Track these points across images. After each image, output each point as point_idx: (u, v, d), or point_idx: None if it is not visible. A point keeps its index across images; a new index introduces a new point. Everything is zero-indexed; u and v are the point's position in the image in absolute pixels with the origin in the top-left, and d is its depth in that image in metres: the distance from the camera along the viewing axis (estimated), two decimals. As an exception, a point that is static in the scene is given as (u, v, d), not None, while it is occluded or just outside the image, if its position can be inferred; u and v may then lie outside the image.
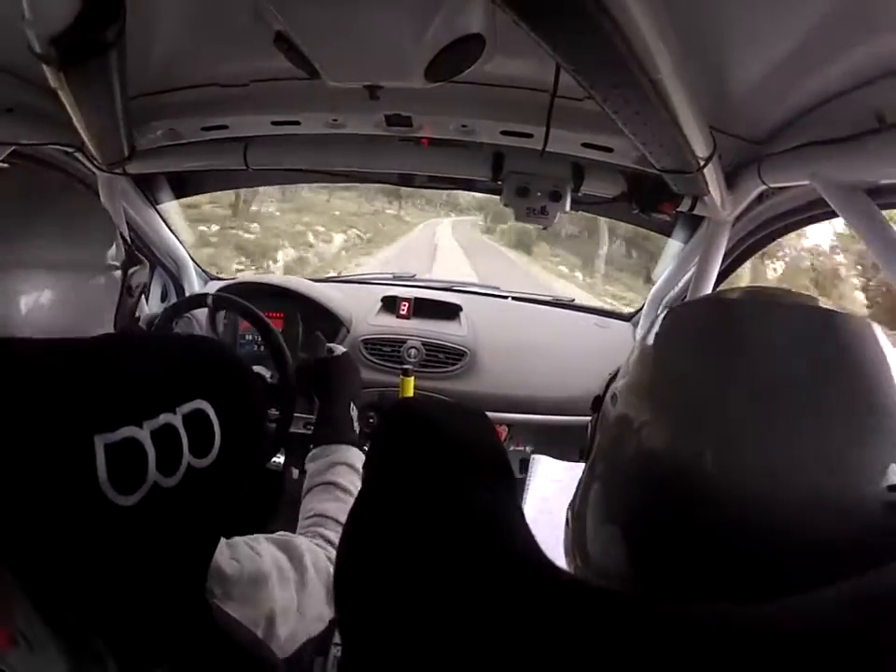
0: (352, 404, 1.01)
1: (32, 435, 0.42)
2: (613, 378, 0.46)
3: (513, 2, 0.48)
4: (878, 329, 0.38)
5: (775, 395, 0.35)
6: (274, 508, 1.54)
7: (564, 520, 0.51)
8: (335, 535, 0.78)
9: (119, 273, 0.65)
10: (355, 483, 0.87)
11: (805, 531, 0.33)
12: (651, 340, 0.43)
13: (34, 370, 0.44)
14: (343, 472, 0.88)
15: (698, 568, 0.36)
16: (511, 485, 0.40)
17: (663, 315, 0.44)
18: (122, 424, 0.45)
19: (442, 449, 0.40)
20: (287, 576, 0.69)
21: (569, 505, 0.50)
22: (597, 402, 0.48)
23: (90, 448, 0.43)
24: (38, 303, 0.56)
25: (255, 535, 0.70)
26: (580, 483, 0.48)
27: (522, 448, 1.65)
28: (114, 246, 0.65)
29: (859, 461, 0.33)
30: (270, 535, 0.73)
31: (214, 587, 0.59)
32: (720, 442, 0.35)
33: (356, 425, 0.98)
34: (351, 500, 0.83)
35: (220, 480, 0.52)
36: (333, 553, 0.75)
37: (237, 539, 0.67)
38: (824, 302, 0.41)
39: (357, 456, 0.92)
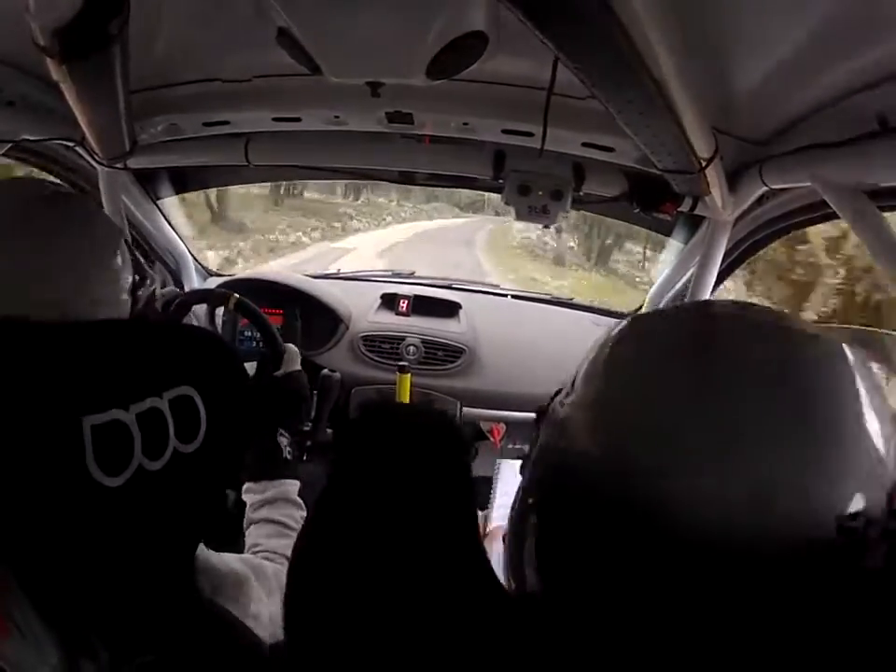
0: (280, 431, 0.99)
1: (21, 414, 0.42)
2: (563, 386, 0.44)
3: (518, 1, 0.48)
4: (851, 352, 0.36)
5: (736, 422, 0.33)
6: None
7: None
8: (284, 569, 0.79)
9: (128, 298, 0.65)
10: (293, 517, 0.90)
11: (759, 560, 0.31)
12: (597, 353, 0.41)
13: (23, 351, 0.45)
14: (283, 507, 0.90)
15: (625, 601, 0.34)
16: (468, 491, 0.40)
17: (616, 329, 0.42)
18: (109, 406, 0.45)
19: (401, 460, 0.39)
20: (258, 591, 0.71)
21: (508, 522, 0.48)
22: (542, 411, 0.46)
23: (77, 429, 0.43)
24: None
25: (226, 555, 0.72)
26: (514, 500, 0.46)
27: (520, 446, 1.66)
28: (117, 276, 0.64)
29: (818, 489, 0.32)
30: (239, 556, 0.75)
31: (202, 582, 0.60)
32: (674, 467, 0.33)
33: (284, 452, 0.97)
34: (293, 534, 0.85)
35: (206, 466, 0.52)
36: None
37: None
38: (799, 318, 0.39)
39: (293, 488, 0.94)
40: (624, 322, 0.43)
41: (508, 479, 1.08)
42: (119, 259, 0.65)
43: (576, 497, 0.36)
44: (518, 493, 0.45)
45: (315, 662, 0.34)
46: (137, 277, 0.67)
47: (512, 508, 0.46)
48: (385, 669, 0.32)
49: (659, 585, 0.33)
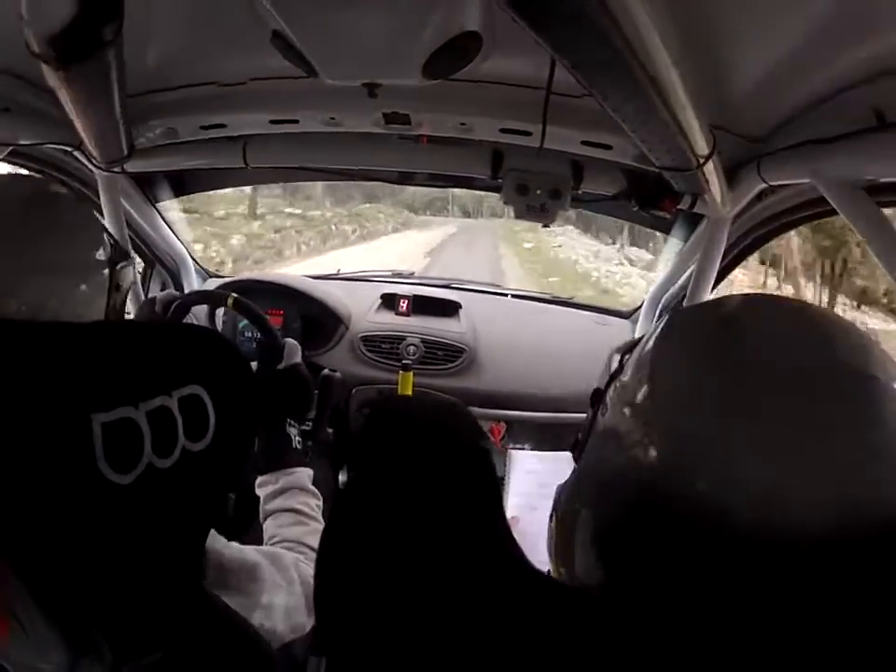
0: (289, 421, 1.01)
1: (31, 412, 0.42)
2: (616, 373, 0.44)
3: (512, 0, 0.47)
4: (875, 340, 0.37)
5: (778, 415, 0.33)
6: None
7: (542, 517, 0.50)
8: (304, 557, 0.80)
9: (106, 271, 0.67)
10: (309, 505, 0.90)
11: (813, 552, 0.32)
12: (648, 349, 0.41)
13: (32, 350, 0.45)
14: (298, 496, 0.91)
15: (682, 592, 0.34)
16: (492, 482, 0.40)
17: (663, 323, 0.43)
18: (119, 404, 0.45)
19: (423, 451, 0.40)
20: (275, 578, 0.71)
21: (553, 505, 0.49)
22: (597, 395, 0.46)
23: (87, 426, 0.43)
24: (33, 306, 0.58)
25: (242, 545, 0.72)
26: (566, 485, 0.47)
27: (520, 446, 1.65)
28: (100, 246, 0.66)
29: (866, 478, 0.32)
30: (257, 547, 0.75)
31: (210, 573, 0.61)
32: (719, 466, 0.33)
33: (294, 442, 0.98)
34: (310, 522, 0.86)
35: (215, 464, 0.52)
36: (310, 570, 0.78)
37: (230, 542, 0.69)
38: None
39: (306, 476, 0.94)
40: (669, 316, 0.44)
41: (519, 469, 1.08)
42: (98, 240, 0.67)
43: (632, 491, 0.37)
44: (572, 480, 0.46)
45: (349, 653, 0.34)
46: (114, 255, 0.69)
47: (563, 493, 0.47)
48: (420, 658, 0.33)
49: (707, 572, 0.33)
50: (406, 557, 0.35)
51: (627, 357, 0.44)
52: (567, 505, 0.46)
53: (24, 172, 1.35)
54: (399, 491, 0.38)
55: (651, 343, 0.42)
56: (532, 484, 1.04)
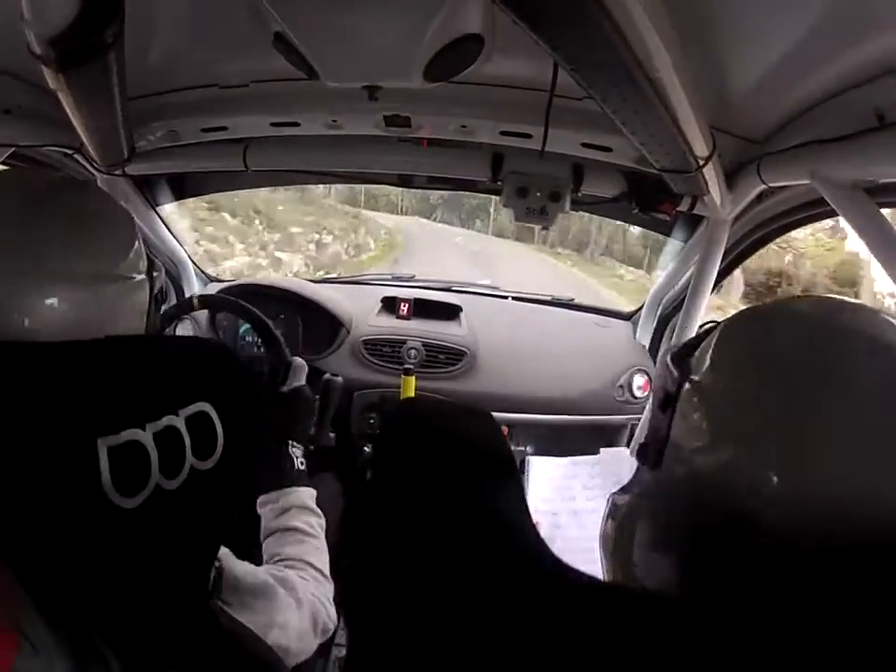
0: (291, 442, 0.99)
1: (35, 438, 0.42)
2: (682, 379, 0.44)
3: (512, 2, 0.48)
4: None
5: (844, 415, 0.34)
6: None
7: (562, 521, 0.50)
8: (305, 574, 0.80)
9: (141, 278, 0.60)
10: (310, 524, 0.89)
11: (874, 546, 0.32)
12: (708, 361, 0.41)
13: (37, 372, 0.44)
14: (299, 515, 0.90)
15: (755, 586, 0.35)
16: (517, 485, 0.40)
17: (721, 327, 0.43)
18: (125, 426, 0.45)
19: (447, 450, 0.40)
20: (288, 599, 0.71)
21: (610, 509, 0.49)
22: (668, 399, 0.44)
23: (93, 451, 0.43)
24: (57, 314, 0.52)
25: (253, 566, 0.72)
26: (630, 488, 0.47)
27: (522, 448, 1.65)
28: (133, 253, 0.59)
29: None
30: (264, 567, 0.76)
31: (228, 596, 0.61)
32: (785, 465, 0.34)
33: (296, 463, 0.97)
34: (312, 540, 0.86)
35: (223, 482, 0.52)
36: (311, 588, 0.78)
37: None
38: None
39: (307, 496, 0.93)
40: (728, 320, 0.44)
41: (536, 475, 1.08)
42: (137, 244, 0.61)
43: (712, 497, 0.37)
44: (639, 483, 0.46)
45: (376, 649, 0.34)
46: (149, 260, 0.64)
47: (627, 496, 0.47)
48: (451, 655, 0.32)
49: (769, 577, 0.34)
50: (437, 561, 0.34)
51: (690, 360, 0.43)
52: (632, 508, 0.46)
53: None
54: (426, 493, 0.37)
55: (712, 348, 0.42)
56: (551, 489, 1.04)
